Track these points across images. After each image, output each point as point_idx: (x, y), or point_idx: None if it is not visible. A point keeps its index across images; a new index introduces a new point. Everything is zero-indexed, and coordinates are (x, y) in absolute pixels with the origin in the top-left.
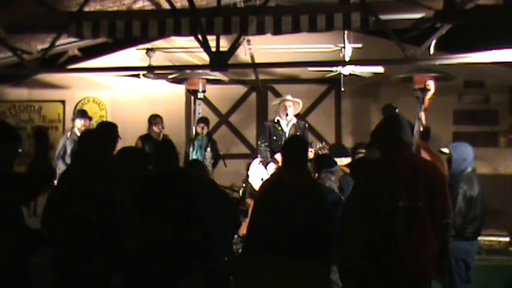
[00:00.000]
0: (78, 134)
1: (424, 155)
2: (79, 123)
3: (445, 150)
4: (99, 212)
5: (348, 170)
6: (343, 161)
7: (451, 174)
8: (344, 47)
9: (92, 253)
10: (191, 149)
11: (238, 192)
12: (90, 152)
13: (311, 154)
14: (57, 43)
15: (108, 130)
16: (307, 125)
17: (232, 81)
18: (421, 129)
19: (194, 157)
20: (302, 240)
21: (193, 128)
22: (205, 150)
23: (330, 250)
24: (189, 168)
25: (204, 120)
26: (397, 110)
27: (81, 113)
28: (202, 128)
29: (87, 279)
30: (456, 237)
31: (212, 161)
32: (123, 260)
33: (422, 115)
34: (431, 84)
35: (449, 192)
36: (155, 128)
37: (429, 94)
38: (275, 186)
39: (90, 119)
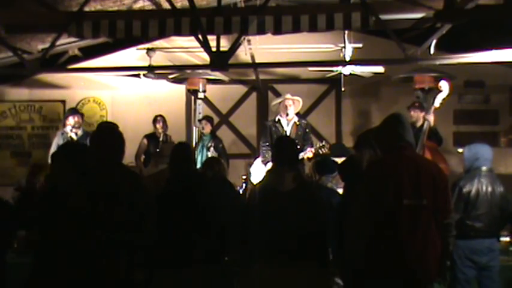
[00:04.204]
0: (70, 132)
1: (427, 155)
2: (72, 121)
3: (460, 150)
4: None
5: None
6: None
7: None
8: (344, 47)
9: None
10: (197, 151)
11: (238, 191)
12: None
13: (310, 154)
14: (58, 43)
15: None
16: (308, 124)
17: (232, 81)
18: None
19: (198, 158)
20: (297, 242)
21: (194, 129)
22: (208, 150)
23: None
24: (205, 167)
25: (206, 117)
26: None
27: (73, 111)
28: (205, 125)
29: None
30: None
31: None
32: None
33: (431, 117)
34: (443, 86)
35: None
36: (156, 128)
37: (442, 96)
38: (266, 190)
39: (82, 115)
